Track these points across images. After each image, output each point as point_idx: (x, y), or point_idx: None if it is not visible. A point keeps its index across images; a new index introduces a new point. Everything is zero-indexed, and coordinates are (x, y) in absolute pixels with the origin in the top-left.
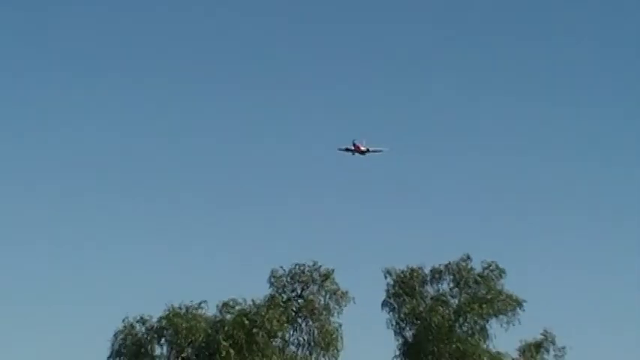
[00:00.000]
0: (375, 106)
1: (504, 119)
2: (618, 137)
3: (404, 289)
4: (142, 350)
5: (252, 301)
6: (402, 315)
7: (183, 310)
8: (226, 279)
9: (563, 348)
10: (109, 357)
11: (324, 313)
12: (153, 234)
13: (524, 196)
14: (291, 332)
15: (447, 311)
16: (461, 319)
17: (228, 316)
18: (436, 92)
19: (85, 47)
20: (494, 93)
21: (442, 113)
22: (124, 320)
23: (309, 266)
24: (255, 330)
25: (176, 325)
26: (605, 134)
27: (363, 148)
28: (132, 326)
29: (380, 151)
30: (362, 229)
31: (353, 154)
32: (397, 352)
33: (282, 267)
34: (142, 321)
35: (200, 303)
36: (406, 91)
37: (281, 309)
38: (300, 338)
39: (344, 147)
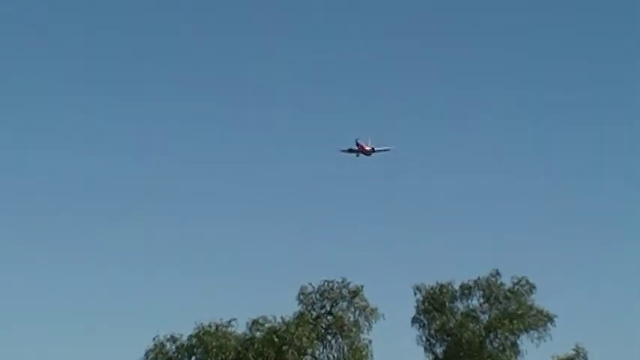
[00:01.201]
0: (379, 105)
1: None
2: None
3: (434, 305)
4: None
5: (282, 318)
6: (432, 331)
7: (213, 328)
8: (255, 297)
9: None
10: None
11: (354, 329)
12: (182, 253)
13: (553, 210)
14: (321, 349)
15: (478, 327)
16: (491, 335)
17: (258, 334)
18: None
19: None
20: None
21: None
22: (154, 339)
23: (338, 283)
24: (284, 347)
25: (206, 344)
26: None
27: (367, 148)
28: (162, 345)
29: (387, 149)
30: (390, 245)
31: (357, 155)
32: None
33: (311, 284)
34: (173, 339)
35: (230, 321)
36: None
37: (310, 326)
38: (330, 355)
39: (347, 148)
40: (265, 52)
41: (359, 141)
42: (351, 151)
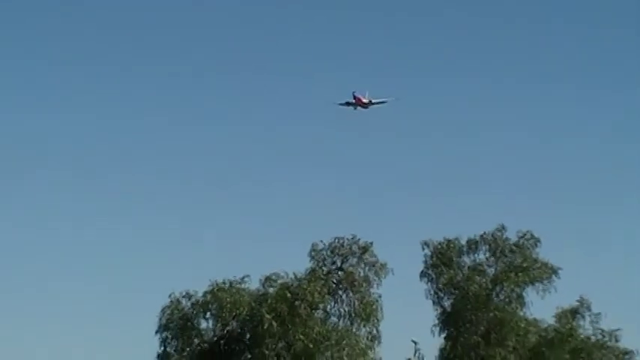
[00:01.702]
0: (377, 57)
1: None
2: None
3: (441, 260)
4: (188, 324)
5: (294, 274)
6: (440, 285)
7: (227, 285)
8: (268, 254)
9: (599, 314)
10: (157, 331)
11: (364, 284)
12: (197, 212)
13: (557, 166)
14: (332, 304)
15: (484, 280)
16: (497, 288)
17: (271, 290)
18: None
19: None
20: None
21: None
22: (170, 296)
23: (348, 239)
24: (297, 302)
25: (220, 300)
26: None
27: (365, 100)
28: (178, 301)
29: (384, 101)
30: (398, 202)
31: (355, 108)
32: (436, 322)
33: (322, 241)
34: (188, 296)
35: (243, 277)
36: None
37: (322, 281)
38: (341, 310)
39: (344, 101)
40: (263, 7)
41: (356, 93)
42: (348, 104)
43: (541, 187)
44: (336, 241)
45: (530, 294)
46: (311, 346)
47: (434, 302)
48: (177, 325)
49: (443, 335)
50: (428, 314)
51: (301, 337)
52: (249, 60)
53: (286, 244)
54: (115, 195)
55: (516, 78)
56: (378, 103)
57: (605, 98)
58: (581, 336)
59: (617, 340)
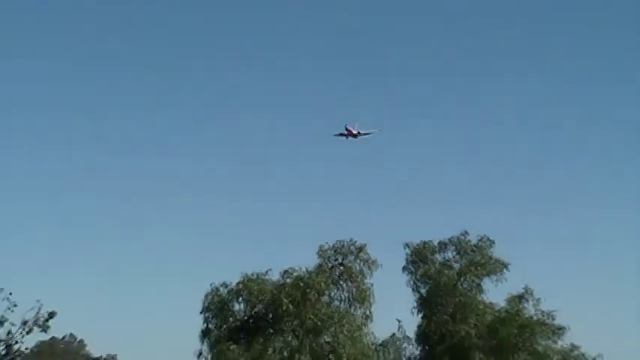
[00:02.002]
0: (365, 93)
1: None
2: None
3: (418, 257)
4: (225, 307)
5: (306, 268)
6: (417, 277)
7: (255, 277)
8: (285, 253)
9: (539, 299)
10: (201, 311)
11: (360, 276)
12: (229, 225)
13: (510, 184)
14: (335, 291)
15: (451, 273)
16: (462, 279)
17: (288, 280)
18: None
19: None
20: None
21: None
22: (211, 285)
23: (347, 242)
24: (308, 290)
25: (249, 288)
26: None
27: (354, 132)
28: (217, 289)
29: (370, 133)
30: (385, 213)
31: (347, 138)
32: (415, 305)
33: (327, 243)
34: (225, 285)
35: (267, 271)
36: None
37: (327, 274)
38: (342, 296)
39: (338, 132)
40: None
41: (347, 126)
42: (341, 135)
43: (496, 202)
44: (338, 242)
45: (487, 283)
46: (319, 324)
47: (413, 290)
48: (216, 307)
49: (420, 315)
50: (408, 299)
51: (311, 316)
52: (254, 98)
53: (299, 246)
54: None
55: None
56: (365, 134)
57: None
58: (526, 315)
59: (553, 319)
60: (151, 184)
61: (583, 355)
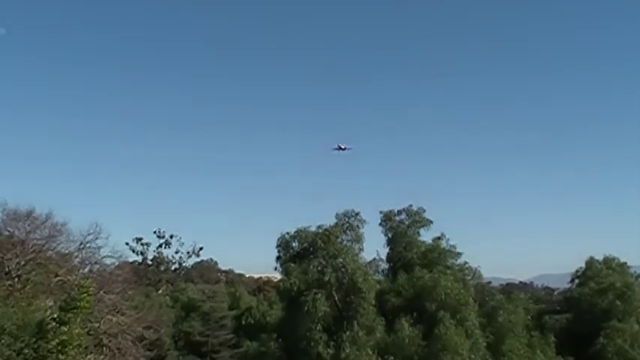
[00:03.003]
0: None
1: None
2: None
3: (387, 218)
4: (288, 244)
5: (329, 224)
6: (386, 228)
7: (303, 229)
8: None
9: (448, 238)
10: (276, 246)
11: (356, 228)
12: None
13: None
14: (344, 236)
15: (404, 226)
16: (409, 229)
17: (320, 230)
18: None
19: None
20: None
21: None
22: (281, 233)
23: (349, 210)
24: (330, 235)
25: (300, 234)
26: None
27: (343, 147)
28: (284, 235)
29: (350, 148)
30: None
31: (339, 151)
32: (385, 243)
33: (340, 211)
34: (288, 233)
35: (309, 226)
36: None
37: (340, 227)
38: (348, 238)
39: (335, 147)
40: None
41: (339, 144)
42: (335, 149)
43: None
44: (345, 211)
45: (422, 231)
46: (336, 252)
47: (384, 235)
48: (284, 244)
49: (387, 248)
50: (381, 240)
51: (332, 249)
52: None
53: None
54: None
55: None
56: (348, 148)
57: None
58: (441, 247)
59: (455, 248)
60: None
61: (470, 267)
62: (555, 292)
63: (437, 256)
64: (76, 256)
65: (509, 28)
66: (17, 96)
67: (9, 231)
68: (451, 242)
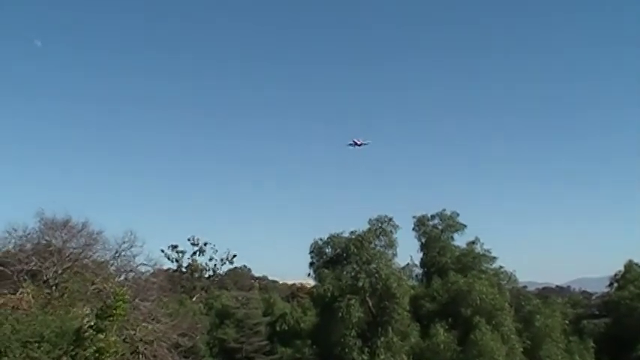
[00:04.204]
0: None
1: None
2: None
3: (420, 222)
4: (321, 250)
5: (362, 230)
6: (420, 233)
7: (336, 234)
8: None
9: (483, 242)
10: (309, 252)
11: (390, 233)
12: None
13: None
14: (377, 241)
15: (437, 231)
16: (442, 234)
17: (353, 236)
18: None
19: None
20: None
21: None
22: (314, 239)
23: (382, 216)
24: (363, 241)
25: (333, 240)
26: None
27: (359, 143)
28: (317, 241)
29: (368, 143)
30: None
31: (354, 147)
32: (418, 248)
33: (372, 216)
34: (321, 239)
35: (342, 232)
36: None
37: (373, 232)
38: (381, 243)
39: (350, 142)
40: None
41: (354, 139)
42: (350, 145)
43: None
44: (378, 216)
45: (455, 236)
46: (370, 258)
47: (417, 240)
48: (317, 250)
49: (421, 253)
50: (415, 245)
51: (365, 254)
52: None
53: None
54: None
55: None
56: (365, 144)
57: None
58: (475, 251)
59: (490, 253)
60: None
61: (506, 271)
62: (593, 297)
63: (471, 260)
64: (112, 264)
65: (557, 38)
66: (51, 108)
67: (46, 240)
68: (485, 246)
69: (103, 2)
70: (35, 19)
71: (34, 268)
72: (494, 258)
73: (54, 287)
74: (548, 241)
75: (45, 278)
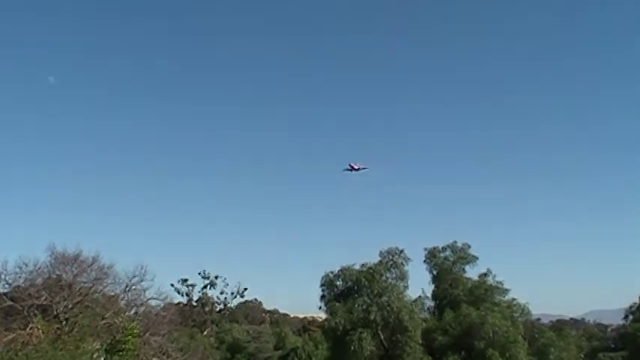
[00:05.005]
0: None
1: None
2: None
3: (432, 254)
4: (332, 283)
5: (373, 262)
6: (432, 265)
7: (347, 267)
8: (362, 254)
9: (495, 274)
10: (320, 285)
11: (401, 265)
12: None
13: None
14: (388, 274)
15: (449, 263)
16: (454, 266)
17: (364, 269)
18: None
19: None
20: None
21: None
22: (325, 272)
23: (393, 248)
24: (374, 273)
25: (345, 273)
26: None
27: (356, 167)
28: (328, 274)
29: (365, 168)
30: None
31: (351, 172)
32: (430, 280)
33: (383, 248)
34: (332, 272)
35: (352, 264)
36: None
37: (384, 265)
38: (392, 276)
39: (347, 167)
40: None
41: (351, 163)
42: (347, 169)
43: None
44: (389, 248)
45: (467, 268)
46: (381, 291)
47: (429, 272)
48: (328, 283)
49: (433, 285)
50: (426, 277)
51: (377, 287)
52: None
53: (371, 250)
54: None
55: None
56: (363, 169)
57: None
58: (487, 283)
59: (502, 285)
60: None
61: (519, 303)
62: (609, 329)
63: (484, 292)
64: (122, 299)
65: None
66: (66, 139)
67: (57, 274)
68: (498, 278)
69: (117, 44)
70: (49, 56)
71: (44, 302)
72: (507, 290)
73: (64, 322)
74: (562, 273)
75: (55, 313)
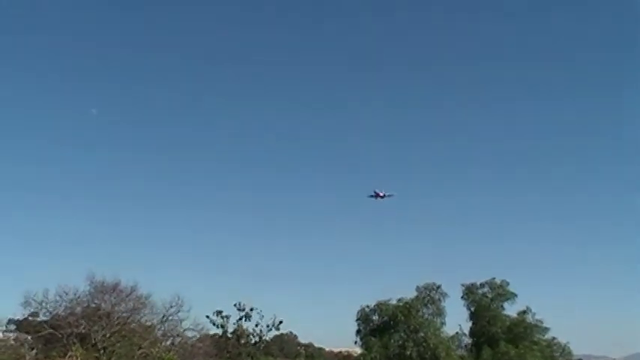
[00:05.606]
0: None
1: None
2: None
3: (469, 290)
4: (368, 317)
5: (410, 298)
6: (469, 301)
7: (383, 302)
8: (401, 289)
9: (534, 312)
10: (356, 319)
11: (437, 301)
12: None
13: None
14: (425, 309)
15: (487, 299)
16: (492, 302)
17: (400, 304)
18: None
19: None
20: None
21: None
22: (361, 306)
23: (430, 283)
24: (411, 309)
25: (381, 308)
26: None
27: (381, 194)
28: (364, 309)
29: (392, 195)
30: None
31: (376, 199)
32: (467, 316)
33: (420, 284)
34: (368, 306)
35: (389, 299)
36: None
37: (421, 300)
38: (429, 311)
39: (371, 194)
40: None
41: (375, 190)
42: (371, 196)
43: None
44: (426, 283)
45: (506, 304)
46: (417, 326)
47: (466, 308)
48: (364, 317)
49: (471, 322)
50: (463, 313)
51: (413, 322)
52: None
53: (409, 283)
54: None
55: None
56: (388, 196)
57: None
58: (527, 321)
59: (542, 323)
60: None
61: (559, 343)
62: None
63: (523, 330)
64: (159, 329)
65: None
66: (104, 164)
67: (96, 303)
68: (537, 316)
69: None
70: (91, 89)
71: (83, 331)
72: (547, 328)
73: (102, 351)
74: (606, 312)
75: (93, 342)
